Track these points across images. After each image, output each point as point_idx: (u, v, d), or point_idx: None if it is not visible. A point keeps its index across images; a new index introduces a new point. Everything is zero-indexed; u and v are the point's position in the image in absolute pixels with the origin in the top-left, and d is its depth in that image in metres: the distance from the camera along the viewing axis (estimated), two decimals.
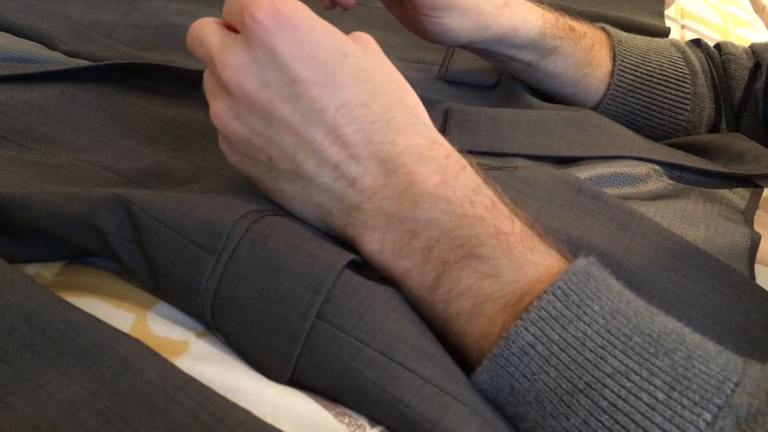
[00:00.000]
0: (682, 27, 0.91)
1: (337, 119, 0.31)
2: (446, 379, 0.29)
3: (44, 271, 0.36)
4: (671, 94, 0.54)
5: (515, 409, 0.28)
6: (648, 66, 0.54)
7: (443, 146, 0.33)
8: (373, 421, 0.30)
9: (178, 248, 0.31)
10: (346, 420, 0.29)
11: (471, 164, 0.33)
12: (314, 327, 0.29)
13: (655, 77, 0.54)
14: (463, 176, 0.32)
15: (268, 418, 0.28)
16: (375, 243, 0.32)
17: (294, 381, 0.30)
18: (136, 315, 0.33)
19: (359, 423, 0.29)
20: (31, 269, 0.36)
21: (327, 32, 0.31)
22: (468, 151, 0.47)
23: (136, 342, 0.29)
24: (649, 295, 0.36)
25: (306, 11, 0.31)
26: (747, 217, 0.46)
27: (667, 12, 0.88)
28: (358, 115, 0.31)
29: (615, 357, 0.26)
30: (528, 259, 0.30)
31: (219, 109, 0.32)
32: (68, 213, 0.33)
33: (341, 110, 0.31)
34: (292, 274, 0.30)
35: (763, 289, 0.38)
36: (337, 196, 0.32)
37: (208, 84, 0.33)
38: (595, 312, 0.27)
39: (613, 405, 0.25)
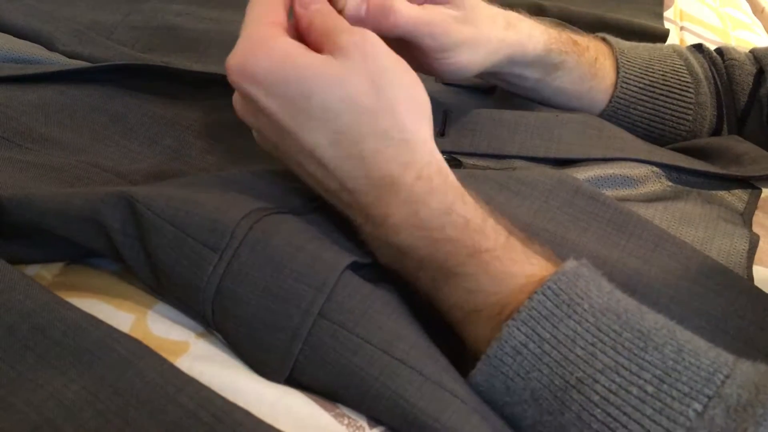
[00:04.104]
0: (681, 29, 0.91)
1: (318, 156, 0.33)
2: (446, 377, 0.29)
3: (44, 272, 0.36)
4: (673, 104, 0.54)
5: (513, 409, 0.29)
6: (651, 76, 0.54)
7: (414, 168, 0.33)
8: (373, 420, 0.30)
9: (180, 245, 0.31)
10: (346, 421, 0.29)
11: (445, 178, 0.33)
12: (316, 324, 0.30)
13: (658, 88, 0.54)
14: (433, 200, 0.32)
15: (268, 419, 0.28)
16: (383, 258, 0.34)
17: (292, 379, 0.31)
18: (136, 315, 0.33)
19: (359, 424, 0.30)
20: (31, 270, 0.36)
21: (286, 79, 0.32)
22: (467, 153, 0.48)
23: (137, 342, 0.29)
24: (643, 297, 0.36)
25: (270, 60, 0.32)
26: (745, 218, 0.46)
27: (666, 14, 0.88)
28: (332, 153, 0.33)
29: (605, 353, 0.27)
30: (506, 272, 0.31)
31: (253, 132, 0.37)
32: (71, 209, 0.33)
33: (317, 150, 0.33)
34: (294, 273, 0.30)
35: (759, 290, 0.38)
36: (349, 216, 0.35)
37: None
38: (585, 310, 0.28)
39: (605, 399, 0.26)
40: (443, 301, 0.32)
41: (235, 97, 0.36)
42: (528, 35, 0.49)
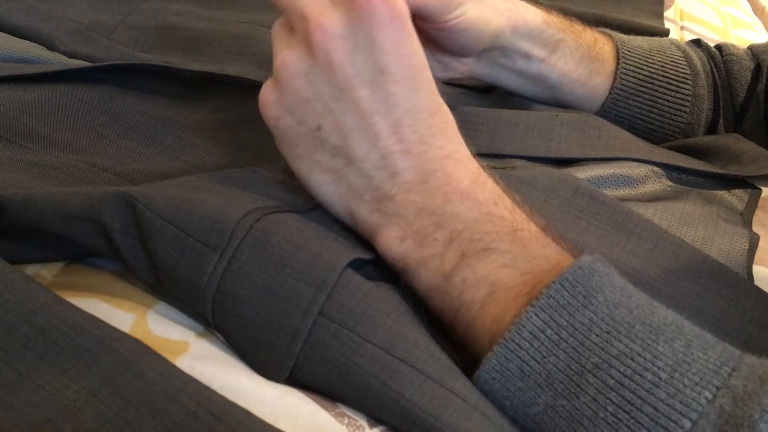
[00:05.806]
0: (681, 28, 0.91)
1: (403, 117, 0.34)
2: (447, 375, 0.29)
3: (44, 272, 0.36)
4: (672, 95, 0.54)
5: (525, 394, 0.29)
6: (651, 67, 0.54)
7: (477, 159, 0.36)
8: (373, 419, 0.30)
9: (181, 245, 0.31)
10: (346, 420, 0.29)
11: (494, 177, 0.36)
12: (316, 323, 0.30)
13: (657, 78, 0.54)
14: (491, 183, 0.35)
15: (268, 418, 0.28)
16: (399, 231, 0.33)
17: (292, 379, 0.31)
18: (136, 315, 0.33)
19: (359, 423, 0.30)
20: (31, 270, 0.36)
21: (410, 53, 0.34)
22: None
23: (137, 342, 0.29)
24: None
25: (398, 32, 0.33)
26: (745, 218, 0.46)
27: (666, 13, 0.88)
28: (421, 120, 0.34)
29: (620, 341, 0.28)
30: (541, 253, 0.32)
31: (290, 60, 0.33)
32: (71, 210, 0.33)
33: (410, 111, 0.34)
34: (295, 272, 0.30)
35: (759, 289, 0.38)
36: (374, 183, 0.34)
37: (282, 31, 0.35)
38: (599, 303, 0.29)
39: (620, 383, 0.27)
40: (466, 277, 0.32)
41: (283, 22, 0.35)
42: (525, 7, 0.50)
